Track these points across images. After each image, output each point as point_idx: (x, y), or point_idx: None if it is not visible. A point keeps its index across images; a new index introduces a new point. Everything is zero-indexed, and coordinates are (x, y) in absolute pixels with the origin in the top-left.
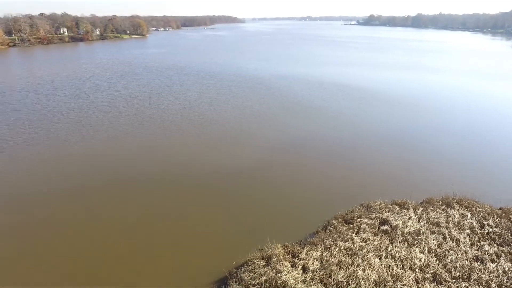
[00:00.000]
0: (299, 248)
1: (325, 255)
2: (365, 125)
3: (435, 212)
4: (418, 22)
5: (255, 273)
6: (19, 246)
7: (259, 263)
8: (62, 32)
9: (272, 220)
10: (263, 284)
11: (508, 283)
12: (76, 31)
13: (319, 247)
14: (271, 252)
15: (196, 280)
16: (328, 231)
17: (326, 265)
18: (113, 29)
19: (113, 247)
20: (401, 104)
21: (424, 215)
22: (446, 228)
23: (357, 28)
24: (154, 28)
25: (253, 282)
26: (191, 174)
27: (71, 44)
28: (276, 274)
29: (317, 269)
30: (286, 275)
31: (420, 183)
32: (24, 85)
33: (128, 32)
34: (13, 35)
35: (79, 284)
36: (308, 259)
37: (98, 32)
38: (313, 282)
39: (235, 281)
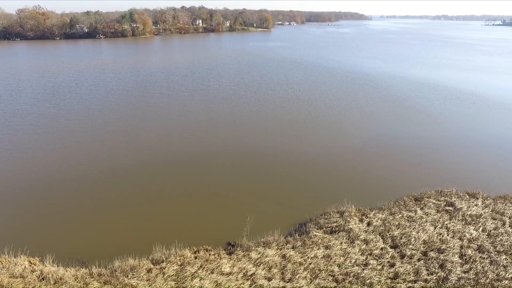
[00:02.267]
0: (369, 211)
1: (389, 218)
2: (462, 128)
3: (504, 204)
4: None
5: (329, 220)
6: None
7: (334, 215)
8: (197, 23)
9: (353, 191)
10: (333, 228)
11: None
12: (209, 22)
13: (385, 211)
14: (345, 209)
15: (287, 219)
16: (397, 203)
17: (386, 224)
18: (242, 21)
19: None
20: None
21: (491, 205)
22: (509, 217)
23: (500, 29)
24: (279, 22)
25: (326, 225)
26: (297, 150)
27: (204, 34)
28: (345, 223)
29: (379, 225)
30: (353, 225)
31: (506, 183)
32: (166, 67)
33: (254, 25)
34: (158, 25)
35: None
36: (374, 218)
37: (228, 24)
38: (373, 233)
39: (313, 223)
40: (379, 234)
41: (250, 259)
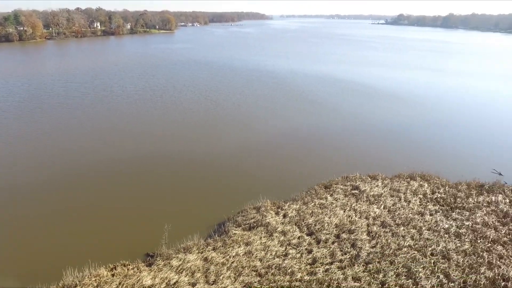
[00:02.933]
0: (283, 203)
1: (302, 207)
2: (360, 117)
3: (399, 182)
4: (448, 22)
5: (247, 217)
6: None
7: (251, 211)
8: (95, 26)
9: (267, 185)
10: (251, 224)
11: (435, 227)
12: (108, 25)
13: (299, 202)
14: (261, 204)
15: (206, 221)
16: (309, 192)
17: (301, 213)
18: (143, 23)
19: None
20: (402, 101)
21: (389, 184)
22: (403, 193)
23: (384, 28)
24: (182, 24)
25: (245, 222)
26: (209, 152)
27: (103, 37)
28: (262, 218)
29: (294, 216)
30: (270, 218)
31: (396, 162)
32: (63, 74)
33: (157, 27)
34: (50, 28)
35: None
36: (289, 209)
37: (128, 26)
38: (290, 224)
39: (232, 222)
40: (295, 224)
41: (171, 267)
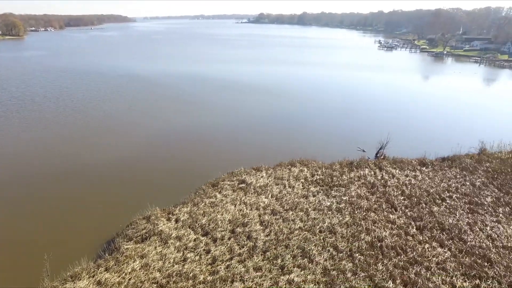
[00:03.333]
0: (173, 208)
1: (193, 209)
2: (236, 112)
3: (281, 171)
4: (303, 20)
5: (137, 228)
6: None
7: (141, 222)
8: None
9: (154, 192)
10: (143, 235)
11: (319, 206)
12: None
13: (189, 204)
14: (150, 213)
15: (92, 242)
16: (197, 193)
17: (193, 215)
18: None
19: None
20: (272, 94)
21: (273, 174)
22: (287, 180)
23: (248, 26)
24: (33, 29)
25: (136, 234)
26: (84, 167)
27: None
28: (154, 227)
29: (186, 219)
30: (162, 226)
31: (277, 152)
32: None
33: (0, 32)
34: None
35: None
36: (180, 214)
37: None
38: (183, 228)
39: (122, 237)
40: (189, 227)
41: None
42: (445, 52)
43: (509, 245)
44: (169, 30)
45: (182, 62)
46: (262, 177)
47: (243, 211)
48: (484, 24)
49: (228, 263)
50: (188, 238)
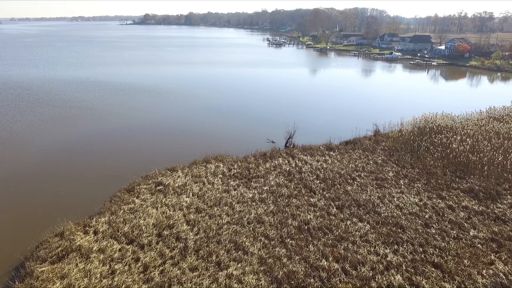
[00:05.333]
0: (89, 220)
1: (112, 218)
2: (139, 116)
3: (197, 169)
4: (190, 20)
5: (50, 248)
6: None
7: (54, 239)
8: None
9: (63, 206)
10: (59, 253)
11: (242, 199)
12: None
13: (106, 214)
14: (63, 228)
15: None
16: (113, 201)
17: (113, 224)
18: None
19: None
20: (171, 95)
21: (189, 173)
22: (205, 177)
23: (134, 28)
24: None
25: (50, 254)
26: None
27: None
28: (70, 243)
29: (106, 229)
30: (80, 240)
31: (189, 151)
32: None
33: None
34: None
35: None
36: (98, 225)
37: None
38: (104, 239)
39: (33, 260)
40: (111, 237)
41: None
42: (328, 47)
43: (414, 211)
44: (45, 32)
45: (64, 66)
46: (179, 177)
47: (166, 213)
48: (356, 22)
49: (161, 268)
50: (112, 249)
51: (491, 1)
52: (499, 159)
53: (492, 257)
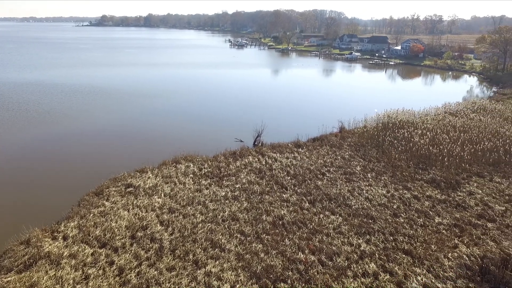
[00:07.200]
0: (57, 225)
1: (82, 222)
2: (101, 118)
3: (167, 169)
4: (150, 22)
5: (16, 256)
6: None
7: (19, 247)
8: None
9: (28, 212)
10: (27, 262)
11: (215, 197)
12: None
13: (75, 218)
14: (29, 235)
15: None
16: (81, 205)
17: (84, 229)
18: None
19: None
20: (132, 96)
21: (159, 173)
22: (176, 177)
23: (91, 30)
24: None
25: (16, 263)
26: None
27: None
28: (38, 250)
29: (77, 234)
30: (48, 246)
31: (157, 152)
32: None
33: None
34: None
35: None
36: (67, 230)
37: None
38: (75, 244)
39: None
40: (82, 242)
41: None
42: (290, 48)
43: (382, 202)
44: None
45: (18, 69)
46: (149, 178)
47: (139, 215)
48: (315, 24)
49: (137, 269)
50: (84, 253)
51: (441, 3)
52: (457, 150)
53: (456, 241)
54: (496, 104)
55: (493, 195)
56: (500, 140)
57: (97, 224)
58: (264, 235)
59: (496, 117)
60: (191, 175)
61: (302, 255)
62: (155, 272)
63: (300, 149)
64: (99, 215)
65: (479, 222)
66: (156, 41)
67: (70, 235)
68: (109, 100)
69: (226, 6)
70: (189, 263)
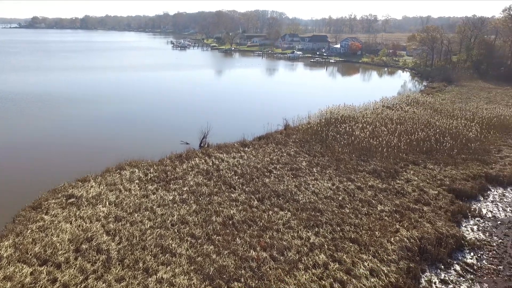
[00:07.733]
0: None
1: (18, 240)
2: (43, 128)
3: (111, 176)
4: (86, 24)
5: None
6: None
7: None
8: None
9: None
10: None
11: (162, 202)
12: None
13: (9, 236)
14: None
15: None
16: (17, 221)
17: (20, 247)
18: None
19: None
20: (71, 102)
21: (103, 181)
22: (121, 184)
23: (20, 32)
24: None
25: None
26: None
27: None
28: None
29: (12, 253)
30: None
31: (99, 159)
32: None
33: None
34: None
35: None
36: (0, 250)
37: None
38: (11, 265)
39: None
40: (19, 261)
41: None
42: (233, 48)
43: (328, 195)
44: None
45: None
46: (92, 186)
47: (82, 226)
48: (257, 24)
49: (83, 284)
50: (22, 273)
51: (375, 3)
52: (395, 141)
53: (397, 226)
54: (426, 97)
55: (427, 180)
56: (432, 130)
57: (36, 241)
58: (215, 236)
59: (428, 109)
60: (137, 181)
61: (254, 253)
62: (103, 285)
63: (246, 148)
64: (38, 230)
65: (416, 206)
66: (94, 44)
67: (5, 255)
68: (44, 107)
69: (167, 7)
70: (139, 272)
